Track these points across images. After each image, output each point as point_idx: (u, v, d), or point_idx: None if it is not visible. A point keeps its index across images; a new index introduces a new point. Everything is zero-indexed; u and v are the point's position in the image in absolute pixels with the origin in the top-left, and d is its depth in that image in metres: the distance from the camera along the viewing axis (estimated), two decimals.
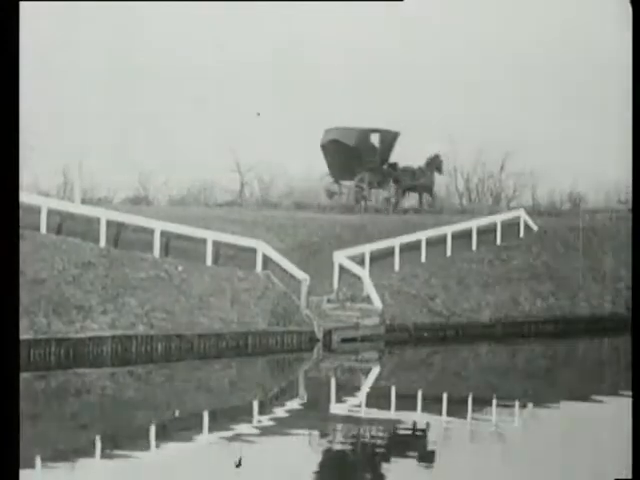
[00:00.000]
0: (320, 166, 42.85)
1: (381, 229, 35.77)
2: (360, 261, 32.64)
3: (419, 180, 43.11)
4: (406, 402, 21.01)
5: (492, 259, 36.68)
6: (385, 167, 42.41)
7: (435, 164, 43.64)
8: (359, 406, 20.86)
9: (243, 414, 19.01)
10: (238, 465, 13.62)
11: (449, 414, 19.53)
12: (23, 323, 23.62)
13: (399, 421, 18.75)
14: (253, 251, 30.48)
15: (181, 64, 62.32)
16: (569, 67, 61.77)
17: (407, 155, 44.47)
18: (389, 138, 42.39)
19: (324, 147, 41.87)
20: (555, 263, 37.83)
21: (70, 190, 42.31)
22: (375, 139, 42.20)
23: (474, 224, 37.09)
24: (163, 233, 29.37)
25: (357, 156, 41.21)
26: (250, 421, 18.19)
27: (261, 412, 19.42)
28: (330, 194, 42.66)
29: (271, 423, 18.01)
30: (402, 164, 42.97)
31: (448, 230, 36.00)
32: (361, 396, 22.05)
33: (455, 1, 66.52)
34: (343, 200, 41.88)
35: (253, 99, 58.95)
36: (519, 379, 25.90)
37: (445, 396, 21.58)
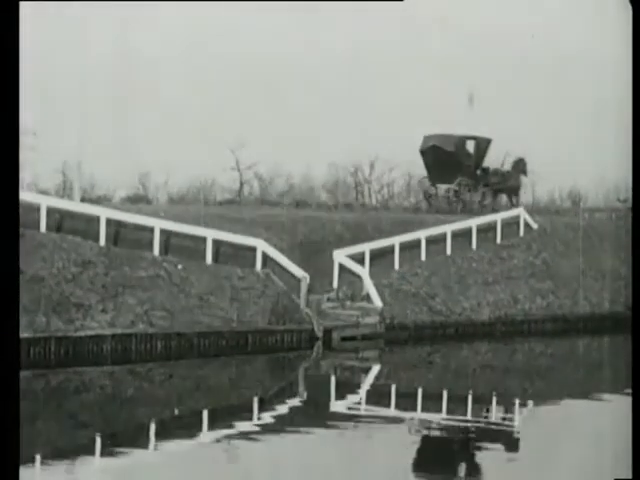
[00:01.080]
0: (319, 165, 42.83)
1: (381, 228, 35.75)
2: (360, 260, 32.61)
3: (507, 182, 44.78)
4: (406, 400, 21.03)
5: (492, 257, 36.68)
6: (479, 171, 43.84)
7: (520, 167, 45.51)
8: (359, 404, 20.86)
9: (243, 412, 19.04)
10: None
11: (449, 412, 19.56)
12: (23, 321, 23.61)
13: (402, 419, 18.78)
14: (253, 249, 30.48)
15: (182, 62, 62.35)
16: (569, 66, 61.78)
17: (407, 154, 44.84)
18: (483, 145, 44.00)
19: (424, 152, 43.34)
20: (555, 261, 37.84)
21: (70, 189, 42.28)
22: (470, 146, 43.71)
23: (474, 222, 37.12)
24: (163, 231, 29.34)
25: (455, 161, 42.65)
26: (250, 418, 18.24)
27: (261, 410, 19.44)
28: (427, 196, 43.93)
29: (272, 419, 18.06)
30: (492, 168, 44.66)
31: (448, 229, 36.01)
32: (361, 394, 22.06)
33: (455, 2, 66.55)
34: (440, 202, 42.78)
35: (254, 98, 58.97)
36: (518, 377, 25.89)
37: (445, 394, 21.62)
